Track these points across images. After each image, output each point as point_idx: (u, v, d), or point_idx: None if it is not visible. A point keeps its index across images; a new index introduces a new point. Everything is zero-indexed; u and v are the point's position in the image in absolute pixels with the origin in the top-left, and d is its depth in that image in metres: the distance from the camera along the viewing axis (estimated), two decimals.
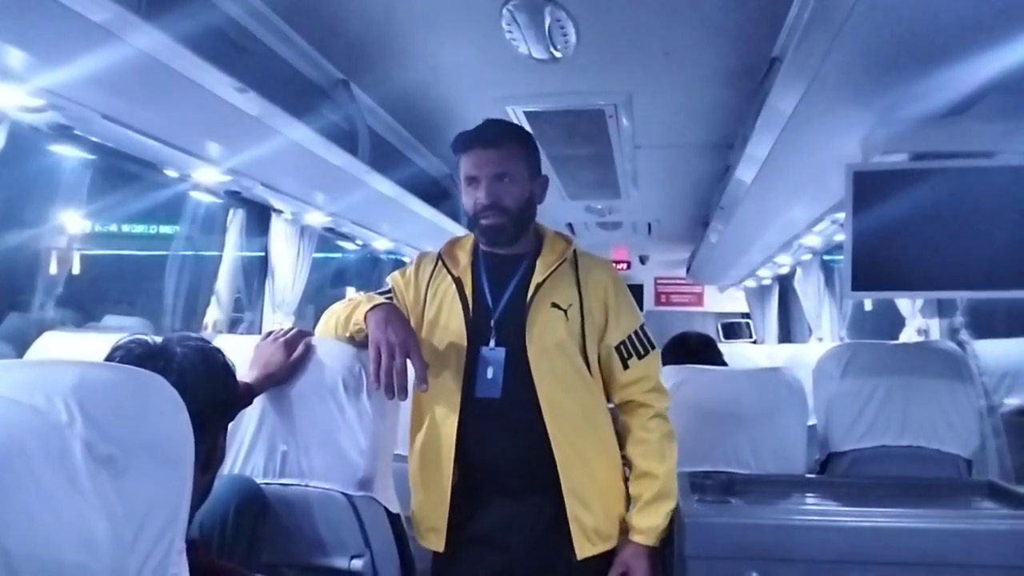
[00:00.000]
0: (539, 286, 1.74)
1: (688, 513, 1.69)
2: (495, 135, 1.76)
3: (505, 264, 1.80)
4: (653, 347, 1.82)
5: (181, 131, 2.17)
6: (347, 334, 1.69)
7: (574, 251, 1.82)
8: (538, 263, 1.78)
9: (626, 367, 1.78)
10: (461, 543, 1.72)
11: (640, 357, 1.79)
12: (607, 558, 1.73)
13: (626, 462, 1.81)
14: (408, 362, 1.59)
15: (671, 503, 1.74)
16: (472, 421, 1.71)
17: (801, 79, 1.74)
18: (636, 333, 1.80)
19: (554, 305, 1.74)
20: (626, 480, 1.81)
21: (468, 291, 1.77)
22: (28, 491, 0.61)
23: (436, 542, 1.72)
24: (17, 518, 0.60)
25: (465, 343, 1.73)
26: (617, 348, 1.78)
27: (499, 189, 1.72)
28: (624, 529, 1.75)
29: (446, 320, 1.77)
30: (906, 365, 2.23)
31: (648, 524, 1.72)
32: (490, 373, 1.71)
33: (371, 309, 1.64)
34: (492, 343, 1.73)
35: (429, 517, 1.73)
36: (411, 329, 1.64)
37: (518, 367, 1.71)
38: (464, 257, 1.82)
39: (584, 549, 1.69)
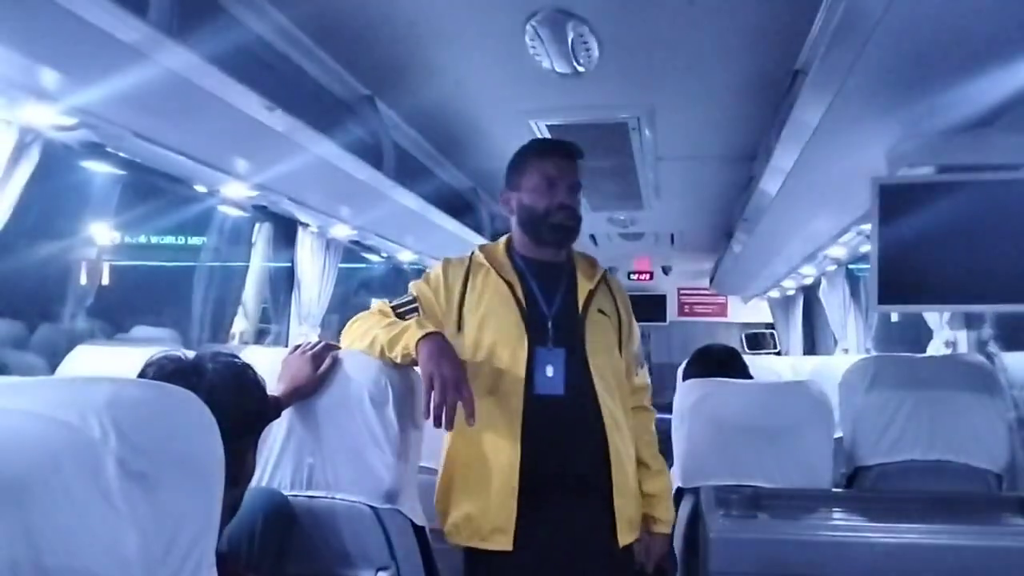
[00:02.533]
0: (591, 292, 1.88)
1: (714, 528, 1.68)
2: (575, 150, 1.91)
3: (550, 270, 1.90)
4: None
5: (209, 148, 2.21)
6: (392, 356, 1.68)
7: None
8: (579, 275, 1.91)
9: (637, 374, 1.98)
10: (526, 542, 1.73)
11: (641, 367, 2.02)
12: (631, 545, 1.87)
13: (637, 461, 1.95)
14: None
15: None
16: (535, 420, 1.76)
17: (826, 92, 1.74)
18: (639, 345, 2.02)
19: (601, 312, 1.89)
20: None
21: (519, 292, 1.84)
22: (62, 507, 0.62)
23: (503, 542, 1.72)
24: (52, 533, 0.62)
25: (526, 343, 1.79)
26: (636, 356, 1.98)
27: (575, 197, 1.87)
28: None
29: (501, 321, 1.81)
30: (933, 378, 2.20)
31: (671, 515, 1.95)
32: (550, 371, 1.79)
33: (422, 338, 1.65)
34: (550, 344, 1.80)
35: (494, 518, 1.73)
36: (461, 363, 1.66)
37: (577, 367, 1.81)
38: (504, 260, 1.89)
39: (625, 538, 1.81)
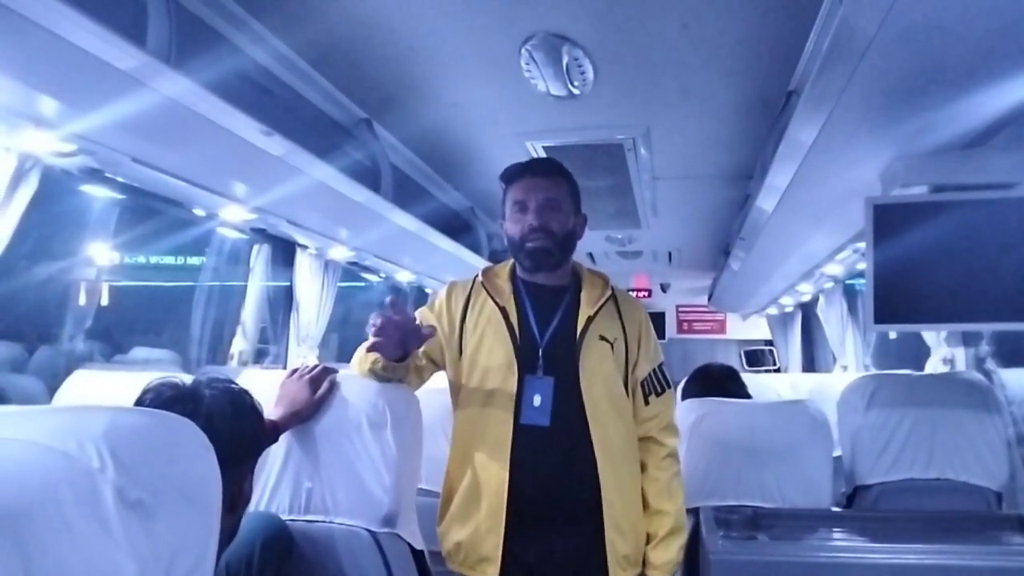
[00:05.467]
0: (590, 319, 1.79)
1: (713, 550, 1.67)
2: (545, 167, 1.86)
3: (548, 295, 1.84)
4: (670, 386, 1.88)
5: (208, 172, 2.22)
6: (367, 368, 1.68)
7: (612, 288, 1.89)
8: (583, 297, 1.83)
9: (647, 403, 1.84)
10: (514, 573, 1.72)
11: (658, 395, 1.86)
12: None
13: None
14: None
15: (682, 537, 1.82)
16: (522, 449, 1.72)
17: (820, 112, 1.75)
18: (657, 370, 1.87)
19: (602, 338, 1.80)
20: None
21: (514, 319, 1.80)
22: (60, 537, 0.62)
23: (491, 572, 1.71)
24: (50, 564, 0.61)
25: (515, 371, 1.75)
26: (642, 383, 1.84)
27: (547, 214, 1.79)
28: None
29: (492, 348, 1.79)
30: (931, 396, 2.21)
31: (664, 559, 1.79)
32: (537, 401, 1.74)
33: None
34: (540, 372, 1.76)
35: (481, 547, 1.72)
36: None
37: (568, 396, 1.74)
38: (506, 286, 1.85)
39: (617, 575, 1.73)
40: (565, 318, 1.81)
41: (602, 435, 1.74)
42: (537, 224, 1.78)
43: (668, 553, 1.79)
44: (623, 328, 1.84)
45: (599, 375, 1.77)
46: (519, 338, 1.79)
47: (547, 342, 1.79)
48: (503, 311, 1.81)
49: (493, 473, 1.72)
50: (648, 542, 1.81)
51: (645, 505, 1.83)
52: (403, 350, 1.64)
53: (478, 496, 1.74)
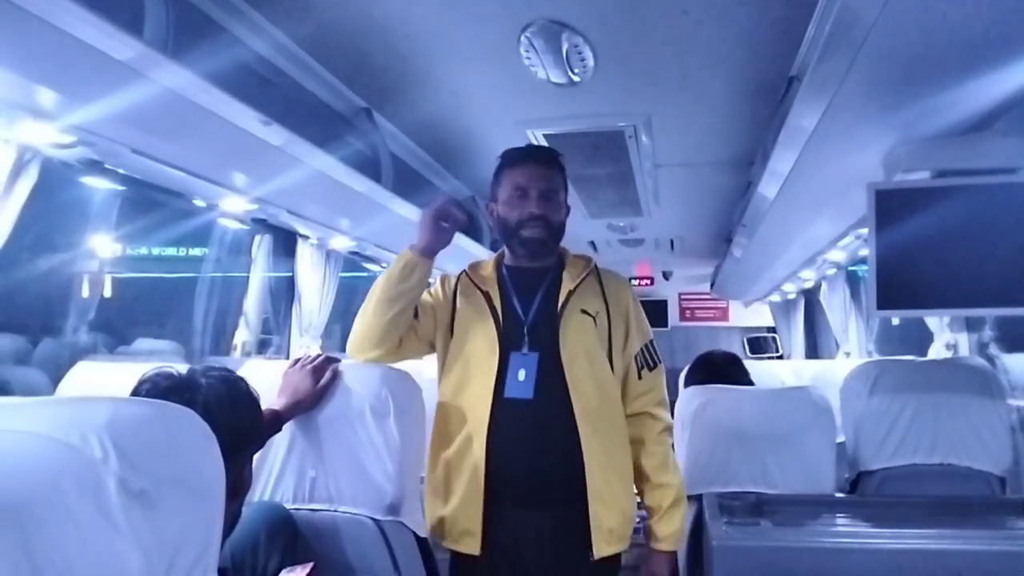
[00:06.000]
0: (571, 293, 1.83)
1: (717, 536, 1.67)
2: (546, 156, 1.89)
3: (531, 276, 1.88)
4: (660, 361, 1.92)
5: (208, 163, 2.21)
6: (398, 273, 1.77)
7: (595, 265, 1.93)
8: (564, 275, 1.87)
9: (640, 377, 1.88)
10: (495, 545, 1.75)
11: (651, 369, 1.89)
12: (615, 558, 1.80)
13: (636, 471, 1.88)
14: None
15: (684, 507, 1.87)
16: (503, 422, 1.76)
17: (821, 97, 1.74)
18: (649, 345, 1.91)
19: (584, 312, 1.83)
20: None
21: (497, 302, 1.85)
22: (64, 528, 0.62)
23: (472, 545, 1.75)
24: (54, 555, 0.62)
25: (497, 349, 1.79)
26: (636, 357, 1.88)
27: (548, 204, 1.83)
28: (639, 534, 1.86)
29: (477, 330, 1.83)
30: (934, 382, 2.21)
31: (669, 531, 1.84)
32: (521, 375, 1.77)
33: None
34: (525, 348, 1.80)
35: (463, 521, 1.76)
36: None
37: (551, 370, 1.77)
38: (489, 273, 1.90)
39: (601, 550, 1.75)
40: (547, 295, 1.85)
41: (584, 407, 1.76)
42: (539, 213, 1.82)
43: (672, 525, 1.83)
44: (605, 303, 1.87)
45: (580, 347, 1.80)
46: (503, 319, 1.83)
47: (531, 319, 1.83)
48: (486, 295, 1.86)
49: (472, 447, 1.76)
50: (651, 516, 1.85)
51: (645, 479, 1.86)
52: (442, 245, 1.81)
53: (459, 470, 1.78)
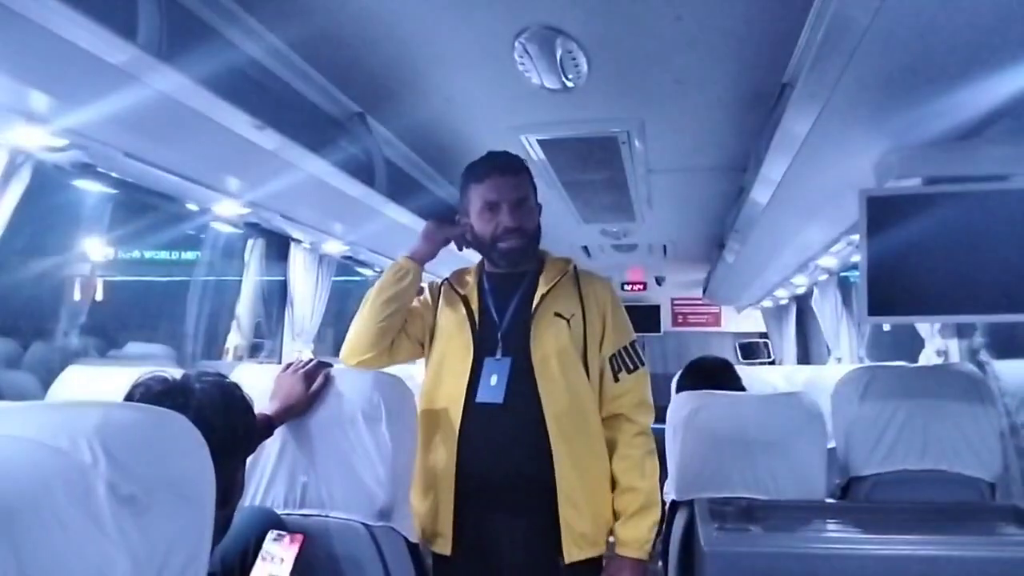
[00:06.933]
0: (543, 296, 1.83)
1: (708, 541, 1.68)
2: (511, 164, 1.87)
3: (508, 281, 1.90)
4: (643, 364, 1.89)
5: (201, 167, 2.21)
6: (393, 278, 1.85)
7: (574, 267, 1.93)
8: (541, 278, 1.87)
9: (616, 380, 1.85)
10: (466, 547, 1.78)
11: (630, 372, 1.86)
12: (592, 564, 1.79)
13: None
14: None
15: (654, 515, 1.81)
16: (475, 427, 1.77)
17: (814, 104, 1.75)
18: (628, 347, 1.88)
19: (557, 315, 1.83)
20: None
21: (474, 307, 1.87)
22: (53, 533, 0.62)
23: (443, 546, 1.78)
24: (43, 560, 0.61)
25: (471, 355, 1.81)
26: (611, 360, 1.86)
27: (521, 214, 1.84)
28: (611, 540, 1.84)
29: (454, 335, 1.86)
30: (925, 388, 2.21)
31: (633, 536, 1.78)
32: (494, 380, 1.79)
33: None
34: (499, 353, 1.81)
35: (435, 522, 1.79)
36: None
37: (522, 374, 1.78)
38: (470, 279, 1.93)
39: (572, 554, 1.74)
40: (523, 299, 1.86)
41: (555, 411, 1.76)
42: (514, 225, 1.83)
43: (637, 531, 1.79)
44: (582, 305, 1.86)
45: (551, 350, 1.80)
46: (479, 324, 1.85)
47: (506, 324, 1.84)
48: (464, 300, 1.89)
49: (443, 451, 1.79)
50: (616, 519, 1.82)
51: (615, 483, 1.84)
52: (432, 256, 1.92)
53: (432, 473, 1.80)
